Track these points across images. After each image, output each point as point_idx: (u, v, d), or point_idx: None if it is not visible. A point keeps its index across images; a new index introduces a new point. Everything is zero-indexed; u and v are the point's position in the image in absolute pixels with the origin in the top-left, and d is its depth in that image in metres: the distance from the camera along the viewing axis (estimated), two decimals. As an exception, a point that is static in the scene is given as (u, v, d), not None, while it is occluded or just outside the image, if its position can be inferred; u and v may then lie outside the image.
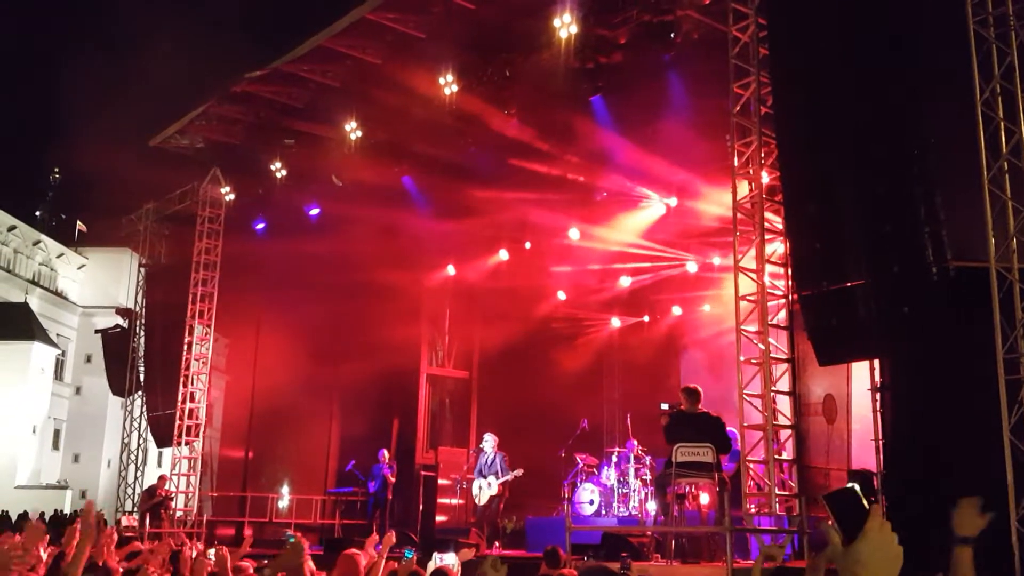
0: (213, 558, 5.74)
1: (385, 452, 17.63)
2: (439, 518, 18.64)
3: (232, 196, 19.52)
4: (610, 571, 4.27)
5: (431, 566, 7.11)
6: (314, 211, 18.90)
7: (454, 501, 18.02)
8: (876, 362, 11.26)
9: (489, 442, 15.43)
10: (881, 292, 9.13)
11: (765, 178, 11.19)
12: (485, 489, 15.11)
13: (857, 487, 1.86)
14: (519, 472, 15.01)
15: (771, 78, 10.75)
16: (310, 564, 6.48)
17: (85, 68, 56.61)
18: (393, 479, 17.17)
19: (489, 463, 15.18)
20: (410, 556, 6.49)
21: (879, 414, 11.23)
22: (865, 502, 1.80)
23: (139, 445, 22.79)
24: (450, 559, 8.61)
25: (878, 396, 11.38)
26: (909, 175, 9.00)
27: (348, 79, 16.14)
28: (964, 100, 8.64)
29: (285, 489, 20.93)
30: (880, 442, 11.11)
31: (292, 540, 4.45)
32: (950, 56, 9.03)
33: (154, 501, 17.94)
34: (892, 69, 9.28)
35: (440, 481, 18.74)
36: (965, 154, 8.61)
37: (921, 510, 8.65)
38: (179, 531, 16.42)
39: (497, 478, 14.94)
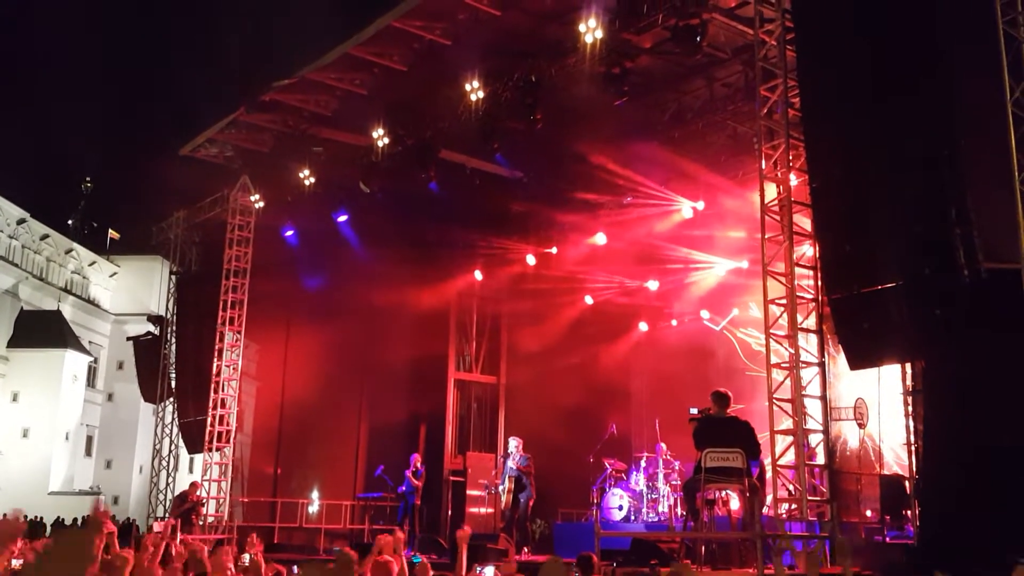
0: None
1: (415, 456, 17.50)
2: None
3: (262, 204, 19.65)
4: None
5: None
6: (342, 218, 19.02)
7: (483, 510, 18.00)
8: (908, 365, 11.15)
9: (513, 445, 15.47)
10: (913, 294, 9.04)
11: (793, 181, 11.12)
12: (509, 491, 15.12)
13: None
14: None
15: (799, 80, 10.68)
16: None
17: (116, 78, 57.28)
18: (419, 483, 16.84)
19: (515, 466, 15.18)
20: (418, 561, 6.43)
21: (911, 418, 11.12)
22: None
23: (171, 451, 22.99)
24: (488, 572, 8.48)
25: (910, 400, 11.27)
26: (939, 176, 8.92)
27: (375, 87, 16.22)
28: (994, 100, 8.56)
29: (315, 494, 21.02)
30: (912, 446, 11.00)
31: (339, 552, 4.33)
32: (980, 56, 8.95)
33: (185, 507, 18.05)
34: (921, 69, 9.20)
35: (469, 491, 18.75)
36: (996, 155, 8.53)
37: (955, 513, 8.57)
38: (207, 536, 16.48)
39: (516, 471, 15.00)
